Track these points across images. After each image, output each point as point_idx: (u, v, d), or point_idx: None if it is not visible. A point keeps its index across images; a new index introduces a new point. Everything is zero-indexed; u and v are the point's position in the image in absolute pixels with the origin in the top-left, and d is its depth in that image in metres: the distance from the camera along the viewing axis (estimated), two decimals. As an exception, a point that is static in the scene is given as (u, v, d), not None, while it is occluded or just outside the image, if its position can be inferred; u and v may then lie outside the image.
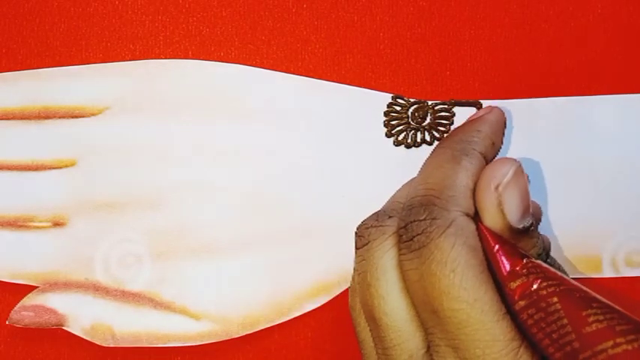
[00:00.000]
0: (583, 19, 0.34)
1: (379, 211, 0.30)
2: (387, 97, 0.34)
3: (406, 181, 0.31)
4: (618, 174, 0.34)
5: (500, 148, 0.31)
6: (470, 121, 0.31)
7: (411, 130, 0.34)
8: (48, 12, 0.35)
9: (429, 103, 0.34)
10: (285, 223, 0.34)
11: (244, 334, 0.33)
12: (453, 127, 0.34)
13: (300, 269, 0.33)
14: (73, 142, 0.34)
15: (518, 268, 0.26)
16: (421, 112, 0.34)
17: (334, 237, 0.33)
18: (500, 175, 0.27)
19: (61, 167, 0.34)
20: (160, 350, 0.34)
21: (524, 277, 0.26)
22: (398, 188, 0.31)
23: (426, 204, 0.27)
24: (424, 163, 0.29)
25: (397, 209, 0.29)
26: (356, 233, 0.29)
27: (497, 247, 0.26)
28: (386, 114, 0.34)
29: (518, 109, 0.34)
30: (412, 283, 0.26)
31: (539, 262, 0.27)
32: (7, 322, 0.33)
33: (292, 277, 0.33)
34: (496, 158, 0.28)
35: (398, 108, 0.34)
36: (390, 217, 0.28)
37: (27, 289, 0.34)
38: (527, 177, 0.29)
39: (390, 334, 0.27)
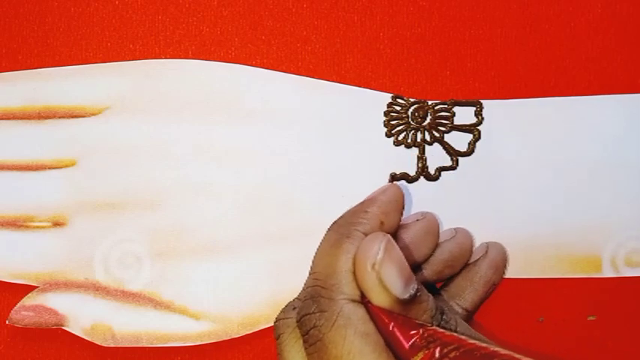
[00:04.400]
0: (583, 19, 0.34)
1: (290, 302, 0.30)
2: (387, 97, 0.34)
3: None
4: (618, 174, 0.34)
5: (395, 226, 0.30)
6: (360, 203, 0.31)
7: (411, 130, 0.34)
8: (48, 12, 0.35)
9: (429, 103, 0.34)
10: (285, 223, 0.34)
11: (244, 333, 0.33)
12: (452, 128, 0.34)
13: (300, 269, 0.33)
14: (73, 142, 0.34)
15: (416, 341, 0.26)
16: (421, 112, 0.34)
17: (334, 237, 0.33)
18: (372, 254, 0.27)
19: (61, 167, 0.34)
20: (160, 350, 0.34)
21: (424, 349, 0.26)
22: None
23: (314, 296, 0.27)
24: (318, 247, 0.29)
25: (301, 299, 0.29)
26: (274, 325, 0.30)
27: (391, 325, 0.26)
28: (386, 114, 0.34)
29: (518, 109, 0.34)
30: None
31: (434, 328, 0.27)
32: (7, 322, 0.33)
33: (292, 277, 0.33)
34: (369, 235, 0.28)
35: (398, 108, 0.34)
36: (294, 308, 0.29)
37: (27, 289, 0.34)
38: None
39: None
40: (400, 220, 0.31)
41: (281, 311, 0.30)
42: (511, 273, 0.34)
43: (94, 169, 0.34)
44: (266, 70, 0.34)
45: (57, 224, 0.34)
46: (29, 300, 0.33)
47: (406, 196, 0.34)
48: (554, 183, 0.34)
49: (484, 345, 0.26)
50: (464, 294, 0.32)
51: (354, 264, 0.27)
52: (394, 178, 0.34)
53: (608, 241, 0.34)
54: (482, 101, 0.34)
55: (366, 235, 0.28)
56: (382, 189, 0.31)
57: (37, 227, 0.34)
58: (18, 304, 0.33)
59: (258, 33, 0.35)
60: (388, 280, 0.26)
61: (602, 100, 0.34)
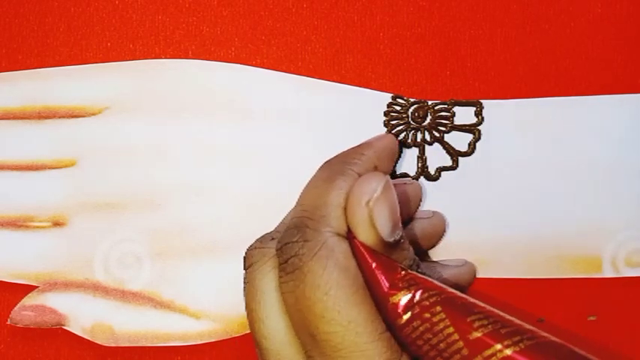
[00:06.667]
0: (583, 19, 0.34)
1: (268, 232, 0.30)
2: (387, 97, 0.34)
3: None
4: (618, 174, 0.34)
5: (387, 174, 0.30)
6: (357, 145, 0.31)
7: (411, 130, 0.34)
8: (48, 12, 0.35)
9: (429, 103, 0.34)
10: (285, 223, 0.34)
11: (244, 333, 0.33)
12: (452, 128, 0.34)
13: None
14: (73, 142, 0.34)
15: (397, 282, 0.26)
16: (421, 112, 0.34)
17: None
18: (370, 190, 0.27)
19: (61, 167, 0.34)
20: (160, 350, 0.34)
21: (405, 291, 0.26)
22: None
23: (299, 225, 0.27)
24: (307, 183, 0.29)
25: (281, 231, 0.29)
26: (244, 255, 0.29)
27: (374, 264, 0.26)
28: (386, 114, 0.34)
29: (518, 109, 0.34)
30: (289, 307, 0.26)
31: (415, 273, 0.27)
32: (7, 322, 0.33)
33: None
34: (369, 173, 0.28)
35: (398, 108, 0.34)
36: (272, 238, 0.29)
37: (27, 289, 0.34)
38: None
39: (270, 358, 0.27)
40: (392, 170, 0.31)
41: (257, 240, 0.29)
42: (511, 273, 0.34)
43: (94, 169, 0.34)
44: (266, 70, 0.34)
45: (57, 224, 0.34)
46: (29, 300, 0.33)
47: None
48: (554, 183, 0.34)
49: (464, 296, 0.26)
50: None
51: (345, 199, 0.27)
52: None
53: (609, 241, 0.34)
54: (482, 101, 0.34)
55: (359, 175, 0.28)
56: (379, 136, 0.32)
57: (37, 227, 0.34)
58: (18, 304, 0.33)
59: (258, 33, 0.35)
60: (378, 219, 0.26)
61: (602, 100, 0.34)
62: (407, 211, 0.32)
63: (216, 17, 0.35)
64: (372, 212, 0.26)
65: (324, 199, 0.27)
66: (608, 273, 0.34)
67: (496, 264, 0.34)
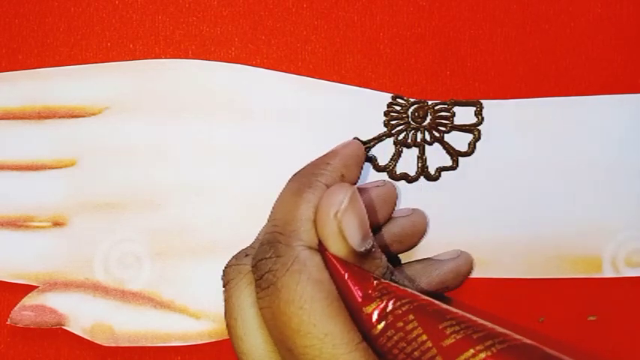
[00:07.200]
0: (583, 19, 0.34)
1: (242, 249, 0.30)
2: (387, 97, 0.34)
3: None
4: (618, 174, 0.34)
5: (354, 181, 0.31)
6: (323, 155, 0.31)
7: (411, 130, 0.34)
8: (48, 12, 0.35)
9: (429, 103, 0.34)
10: (285, 223, 0.34)
11: (244, 333, 0.33)
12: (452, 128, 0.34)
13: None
14: (73, 142, 0.34)
15: (370, 292, 0.26)
16: (421, 112, 0.34)
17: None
18: (337, 202, 0.27)
19: (61, 167, 0.34)
20: (160, 350, 0.34)
21: (378, 300, 0.26)
22: None
23: (271, 241, 0.27)
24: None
25: (256, 247, 0.29)
26: (222, 273, 0.30)
27: (346, 274, 0.26)
28: (386, 114, 0.34)
29: (518, 109, 0.34)
30: (267, 322, 0.27)
31: (388, 282, 0.27)
32: (7, 322, 0.33)
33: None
34: (335, 185, 0.28)
35: (398, 108, 0.34)
36: (246, 255, 0.29)
37: (27, 289, 0.34)
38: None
39: None
40: (359, 175, 0.31)
41: (233, 258, 0.29)
42: (511, 273, 0.34)
43: (94, 169, 0.34)
44: (266, 70, 0.34)
45: (57, 224, 0.34)
46: (29, 300, 0.33)
47: (406, 195, 0.34)
48: (555, 183, 0.34)
49: (437, 302, 0.26)
50: (415, 281, 0.32)
51: (314, 212, 0.27)
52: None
53: (609, 241, 0.34)
54: (482, 101, 0.34)
55: (327, 186, 0.28)
56: (344, 143, 0.32)
57: (37, 227, 0.34)
58: (18, 304, 0.33)
59: (258, 33, 0.35)
60: (348, 230, 0.27)
61: (602, 100, 0.34)
62: (382, 214, 0.32)
63: (216, 17, 0.35)
64: (341, 224, 0.27)
65: (294, 213, 0.27)
66: (608, 273, 0.34)
67: (496, 264, 0.34)
